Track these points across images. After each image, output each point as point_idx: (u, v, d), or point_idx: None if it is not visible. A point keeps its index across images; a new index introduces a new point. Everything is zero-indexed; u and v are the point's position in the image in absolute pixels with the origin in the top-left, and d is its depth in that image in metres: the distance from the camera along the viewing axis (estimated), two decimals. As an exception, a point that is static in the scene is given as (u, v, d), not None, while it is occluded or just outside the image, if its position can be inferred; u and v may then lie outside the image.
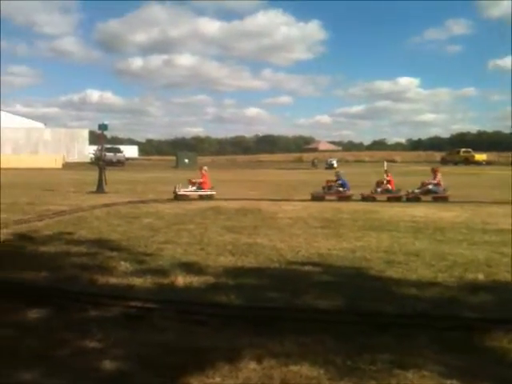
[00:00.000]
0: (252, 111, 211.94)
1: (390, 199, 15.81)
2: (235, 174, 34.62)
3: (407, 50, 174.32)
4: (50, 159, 46.30)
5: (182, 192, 16.27)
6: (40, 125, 60.62)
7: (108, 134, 23.11)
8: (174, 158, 56.66)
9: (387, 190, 16.38)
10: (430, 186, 16.13)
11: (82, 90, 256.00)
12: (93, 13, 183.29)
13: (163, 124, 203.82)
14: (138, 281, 5.64)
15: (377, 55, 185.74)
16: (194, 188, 16.79)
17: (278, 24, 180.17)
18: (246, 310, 4.51)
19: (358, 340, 3.91)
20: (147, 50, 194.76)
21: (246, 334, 3.95)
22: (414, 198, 15.77)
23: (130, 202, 14.79)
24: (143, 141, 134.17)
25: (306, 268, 6.39)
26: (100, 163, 19.86)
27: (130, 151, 64.50)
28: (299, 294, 5.12)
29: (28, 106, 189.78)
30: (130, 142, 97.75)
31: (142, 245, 7.89)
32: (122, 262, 6.52)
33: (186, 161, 50.04)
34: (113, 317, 4.39)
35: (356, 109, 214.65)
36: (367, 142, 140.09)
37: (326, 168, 47.02)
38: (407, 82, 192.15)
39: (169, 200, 15.65)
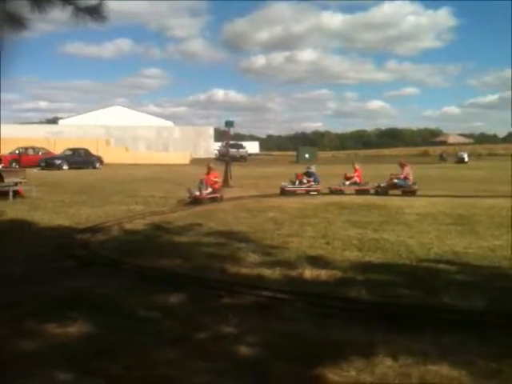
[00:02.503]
0: (374, 104, 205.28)
1: (358, 192, 16.07)
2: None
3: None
4: (178, 156, 49.09)
5: (203, 195, 13.79)
6: (170, 123, 64.49)
7: (231, 130, 23.87)
8: (293, 153, 57.03)
9: (355, 183, 16.66)
10: (396, 180, 16.23)
11: (208, 89, 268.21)
12: (219, 14, 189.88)
13: (284, 120, 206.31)
14: (266, 272, 5.76)
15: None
16: (210, 190, 14.28)
17: (405, 13, 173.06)
18: (379, 306, 4.40)
19: (501, 343, 3.63)
20: (270, 47, 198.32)
21: (379, 330, 3.84)
22: (381, 192, 15.92)
23: (253, 196, 15.23)
24: (264, 136, 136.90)
25: (440, 266, 6.06)
26: (226, 158, 20.68)
27: (252, 147, 66.03)
28: (434, 293, 4.86)
29: (159, 106, 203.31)
30: (252, 138, 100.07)
31: (268, 237, 8.06)
32: (251, 253, 6.71)
33: (307, 156, 50.11)
34: (246, 305, 4.54)
35: (490, 98, 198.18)
36: (502, 133, 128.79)
37: (456, 162, 44.07)
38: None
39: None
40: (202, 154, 55.38)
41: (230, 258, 6.52)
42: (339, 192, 16.13)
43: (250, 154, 55.79)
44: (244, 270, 5.85)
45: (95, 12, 5.26)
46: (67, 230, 8.89)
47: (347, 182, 16.73)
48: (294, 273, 5.72)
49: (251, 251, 6.86)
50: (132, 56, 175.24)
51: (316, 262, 6.24)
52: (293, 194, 15.96)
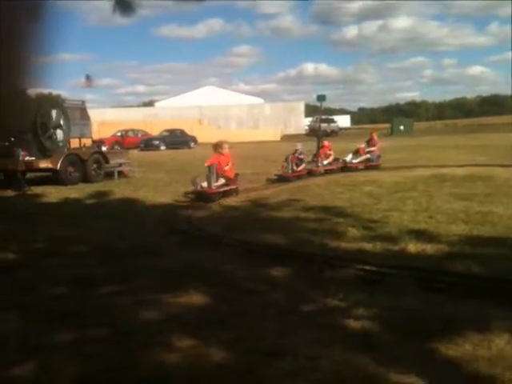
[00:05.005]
0: (475, 70, 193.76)
1: (327, 171, 14.92)
2: (457, 140, 32.10)
3: None
4: (269, 132, 49.36)
5: (213, 189, 10.05)
6: (260, 101, 64.88)
7: (322, 104, 23.53)
8: (386, 125, 55.13)
9: (328, 163, 15.41)
10: (369, 156, 15.75)
11: (299, 64, 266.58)
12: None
13: (376, 91, 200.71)
14: (367, 246, 5.68)
15: None
16: (223, 181, 10.55)
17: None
18: (492, 281, 4.18)
19: None
20: (362, 17, 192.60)
21: (494, 306, 3.66)
22: (352, 168, 15.35)
23: (345, 170, 15.04)
24: (355, 110, 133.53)
25: (559, 240, 5.64)
26: (318, 134, 20.45)
27: (343, 121, 64.66)
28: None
29: (249, 84, 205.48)
30: (342, 111, 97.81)
31: (366, 212, 7.91)
32: (350, 228, 6.64)
33: (402, 128, 48.28)
34: (350, 279, 4.52)
35: None
36: None
37: None
38: None
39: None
40: (292, 130, 55.28)
41: (329, 232, 6.50)
42: (315, 173, 14.42)
43: (340, 129, 54.79)
44: (344, 245, 5.81)
45: (195, -7, 5.37)
46: (170, 207, 9.34)
47: (325, 162, 15.22)
48: (396, 247, 5.58)
49: (350, 226, 6.78)
50: (222, 35, 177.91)
51: (419, 236, 6.04)
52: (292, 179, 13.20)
